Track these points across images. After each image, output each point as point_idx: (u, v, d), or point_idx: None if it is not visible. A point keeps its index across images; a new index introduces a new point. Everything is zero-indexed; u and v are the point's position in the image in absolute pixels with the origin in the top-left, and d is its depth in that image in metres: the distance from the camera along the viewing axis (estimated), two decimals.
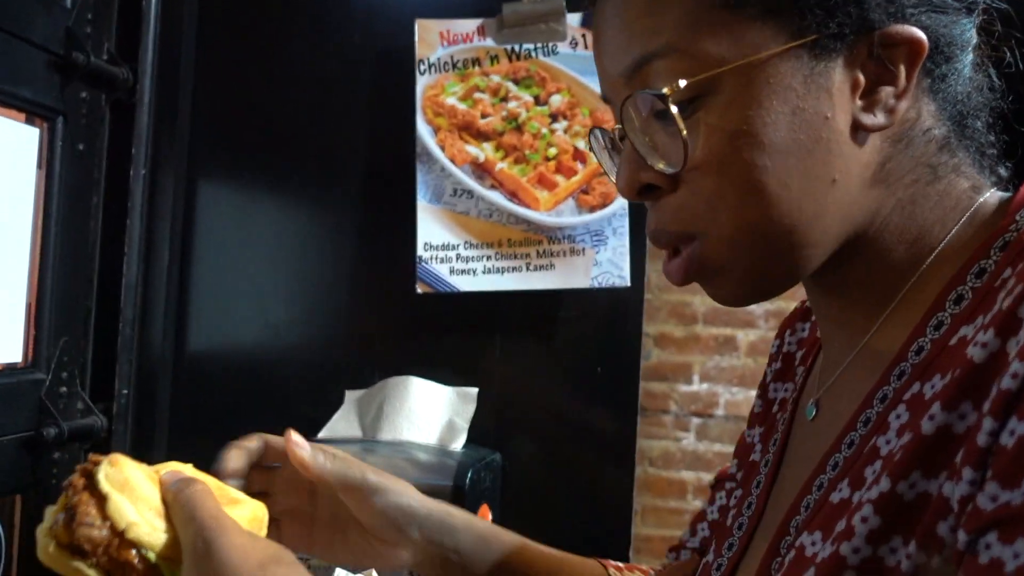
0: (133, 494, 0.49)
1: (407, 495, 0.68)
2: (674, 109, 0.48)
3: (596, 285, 1.28)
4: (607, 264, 1.28)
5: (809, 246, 0.49)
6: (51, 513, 0.49)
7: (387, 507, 0.66)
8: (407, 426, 1.23)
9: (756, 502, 0.62)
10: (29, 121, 1.21)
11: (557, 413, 1.33)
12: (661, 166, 0.50)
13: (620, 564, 0.79)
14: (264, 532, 0.56)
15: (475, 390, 1.31)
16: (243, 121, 1.43)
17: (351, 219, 1.40)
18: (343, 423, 1.29)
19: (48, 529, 0.48)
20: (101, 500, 0.47)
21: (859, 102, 0.48)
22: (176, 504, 0.50)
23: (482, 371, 1.33)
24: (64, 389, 1.23)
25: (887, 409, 0.48)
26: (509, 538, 0.72)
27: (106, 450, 1.28)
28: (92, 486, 0.48)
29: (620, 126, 0.53)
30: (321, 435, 1.28)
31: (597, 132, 0.59)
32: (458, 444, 1.24)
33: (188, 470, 0.56)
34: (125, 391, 1.32)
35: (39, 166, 1.22)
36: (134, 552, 0.47)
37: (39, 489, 1.19)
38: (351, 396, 1.33)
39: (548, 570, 0.74)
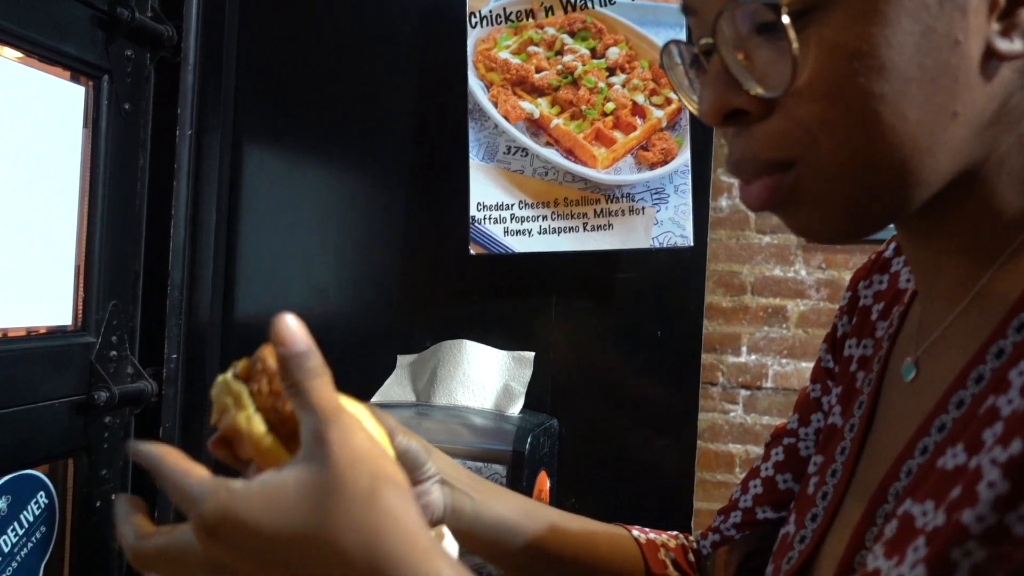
0: None
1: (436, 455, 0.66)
2: (786, 20, 0.43)
3: (657, 245, 1.22)
4: (668, 223, 1.22)
5: (917, 183, 0.45)
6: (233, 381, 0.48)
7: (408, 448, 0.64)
8: (462, 391, 1.20)
9: (842, 469, 0.57)
10: (74, 79, 1.18)
11: (615, 379, 1.28)
12: (759, 90, 0.45)
13: (644, 529, 0.76)
14: None
15: (531, 354, 1.27)
16: (289, 79, 1.39)
17: (401, 179, 1.35)
18: (396, 388, 1.25)
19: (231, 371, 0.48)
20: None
21: (995, 25, 0.43)
22: (293, 384, 0.44)
23: (537, 335, 1.29)
24: (114, 353, 1.21)
25: (1006, 365, 0.43)
26: (542, 513, 0.70)
27: (155, 414, 1.28)
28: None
29: (707, 41, 0.47)
30: (374, 400, 1.25)
31: (673, 48, 0.53)
32: (515, 409, 1.21)
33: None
34: (174, 355, 1.30)
35: (85, 125, 1.20)
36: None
37: (91, 453, 1.17)
38: (403, 360, 1.29)
39: (579, 545, 0.71)
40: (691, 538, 0.78)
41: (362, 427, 0.44)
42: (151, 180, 1.28)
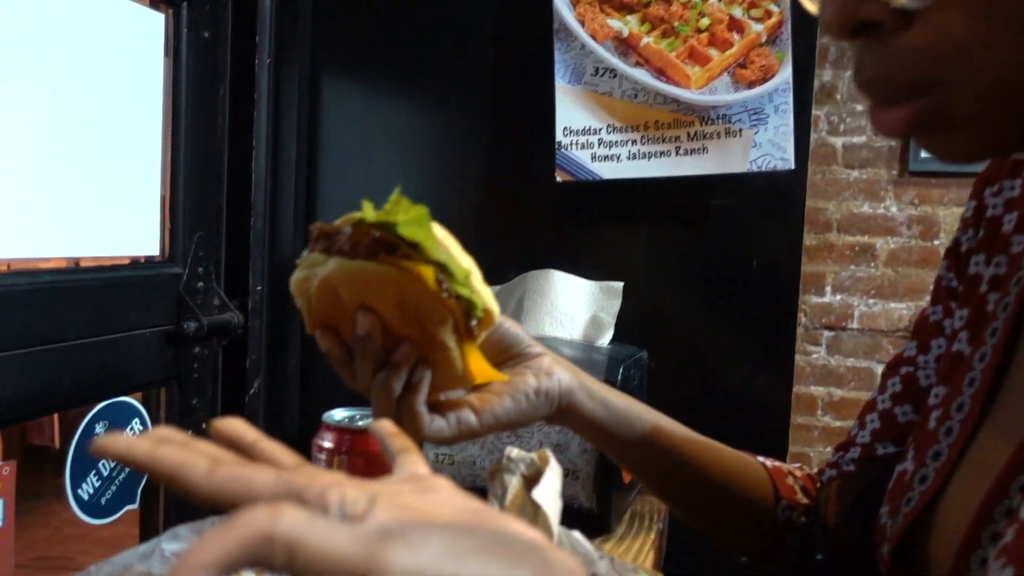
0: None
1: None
2: None
3: (754, 169, 1.16)
4: (767, 145, 1.15)
5: None
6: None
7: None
8: (549, 321, 1.17)
9: (970, 403, 0.52)
10: (154, 6, 1.16)
11: (706, 312, 1.23)
12: (902, 0, 0.39)
13: (774, 460, 0.73)
14: None
15: (620, 284, 1.22)
16: (366, 5, 1.35)
17: (483, 105, 1.31)
18: None
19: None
20: None
21: None
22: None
23: (626, 265, 1.24)
24: (200, 284, 1.21)
25: None
26: (667, 418, 0.69)
27: (242, 346, 1.28)
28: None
29: None
30: None
31: None
32: (604, 340, 1.17)
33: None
34: (259, 287, 1.30)
35: (166, 54, 1.18)
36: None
37: (181, 383, 1.18)
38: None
39: (706, 454, 0.68)
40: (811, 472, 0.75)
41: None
42: (231, 110, 1.27)
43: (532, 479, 0.62)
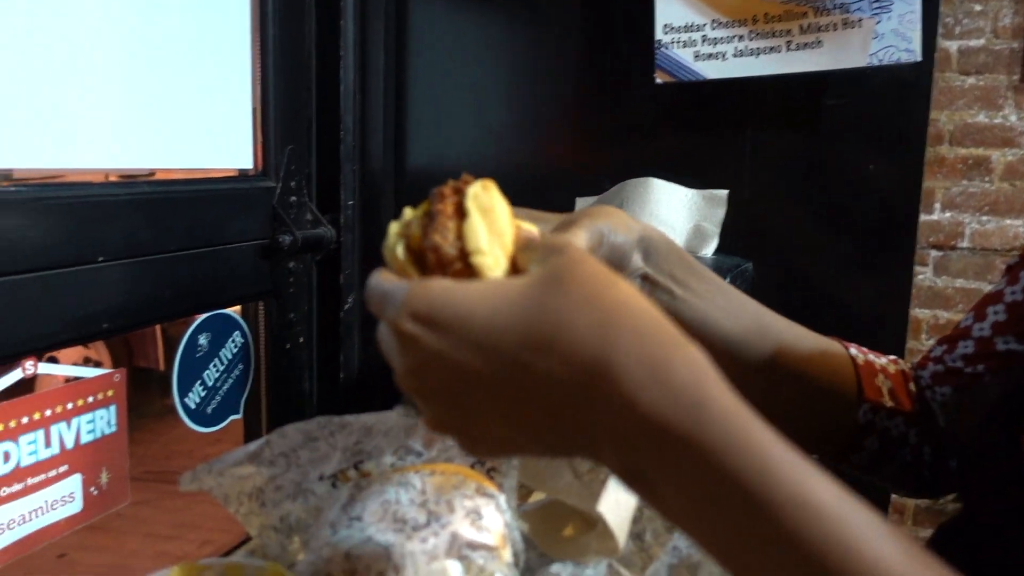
0: (493, 224, 0.44)
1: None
2: None
3: (875, 63, 1.06)
4: (891, 36, 1.05)
5: None
6: (409, 214, 0.47)
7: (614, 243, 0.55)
8: None
9: None
10: None
11: (817, 220, 1.16)
12: None
13: (864, 349, 0.67)
14: None
15: (724, 192, 1.16)
16: None
17: (576, 4, 1.24)
18: None
19: (403, 226, 0.46)
20: (461, 219, 0.44)
21: None
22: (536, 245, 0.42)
23: (731, 171, 1.18)
24: (293, 198, 1.20)
25: None
26: (772, 327, 0.62)
27: (335, 261, 1.28)
28: (459, 202, 0.45)
29: None
30: None
31: None
32: (708, 251, 1.12)
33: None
34: (351, 202, 1.29)
35: None
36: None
37: (278, 296, 1.19)
38: (583, 203, 1.22)
39: (794, 363, 0.62)
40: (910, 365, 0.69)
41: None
42: (318, 19, 1.24)
43: None
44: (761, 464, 0.33)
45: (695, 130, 1.20)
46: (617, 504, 0.57)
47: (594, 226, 0.54)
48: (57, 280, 0.85)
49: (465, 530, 0.57)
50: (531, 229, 0.47)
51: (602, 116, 1.26)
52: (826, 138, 1.14)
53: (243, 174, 1.15)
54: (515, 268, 0.44)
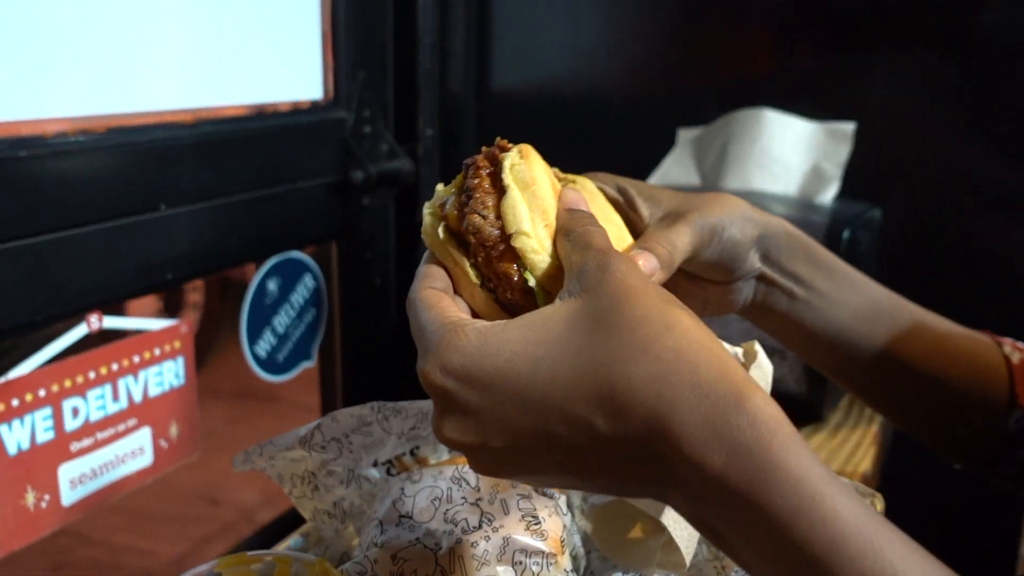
0: (534, 199, 0.43)
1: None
2: None
3: None
4: None
5: None
6: (441, 191, 0.46)
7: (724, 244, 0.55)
8: (759, 172, 1.06)
9: None
10: None
11: (962, 157, 1.07)
12: None
13: (1020, 345, 0.64)
14: None
15: (850, 126, 1.09)
16: None
17: None
18: (677, 168, 1.15)
19: (438, 207, 0.45)
20: (499, 193, 0.43)
21: None
22: (573, 230, 0.42)
23: (860, 100, 1.09)
24: (368, 129, 1.19)
25: None
26: (889, 315, 0.61)
27: (413, 196, 1.28)
28: (495, 174, 0.44)
29: None
30: (652, 181, 1.16)
31: None
32: (827, 196, 1.06)
33: (589, 188, 0.51)
34: (430, 131, 1.27)
35: None
36: (515, 267, 0.43)
37: (352, 236, 1.21)
38: (686, 136, 1.17)
39: (929, 355, 0.61)
40: None
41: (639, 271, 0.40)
42: None
43: None
44: (831, 536, 0.33)
45: (818, 50, 1.12)
46: None
47: (705, 223, 0.53)
48: (118, 232, 0.87)
49: (520, 534, 0.57)
50: (576, 194, 0.45)
51: (711, 33, 1.18)
52: (977, 59, 1.04)
53: (313, 105, 1.14)
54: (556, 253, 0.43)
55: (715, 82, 1.19)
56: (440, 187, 0.47)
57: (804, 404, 0.96)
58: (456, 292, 0.44)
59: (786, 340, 0.63)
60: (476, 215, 0.42)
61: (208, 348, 1.45)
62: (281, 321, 1.11)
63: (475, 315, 0.44)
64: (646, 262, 0.49)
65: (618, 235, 0.51)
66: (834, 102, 1.11)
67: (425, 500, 0.60)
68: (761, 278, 0.59)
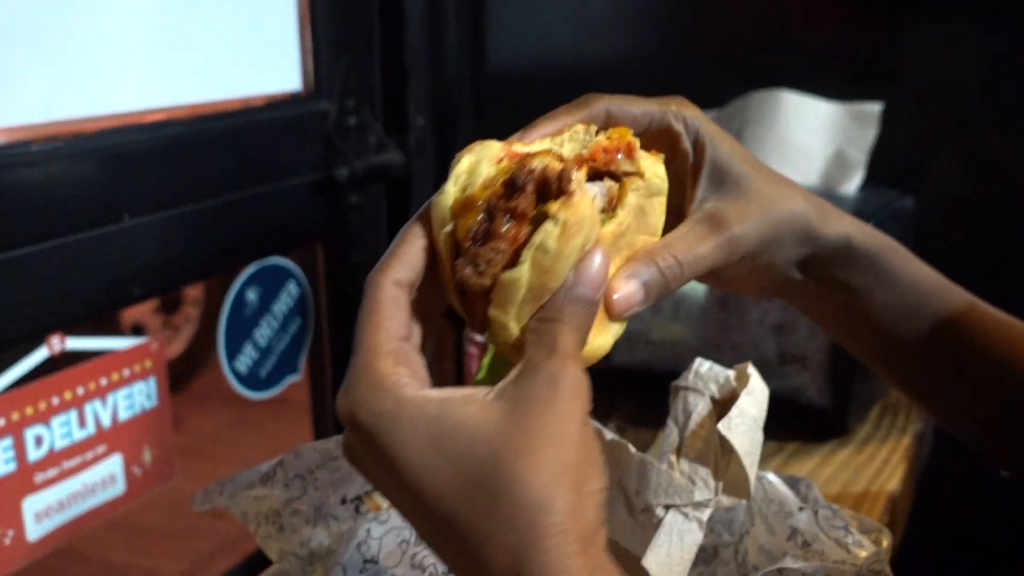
0: (542, 287, 0.42)
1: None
2: None
3: None
4: None
5: None
6: (482, 180, 0.43)
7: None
8: (777, 160, 1.05)
9: None
10: None
11: (1003, 140, 1.05)
12: None
13: None
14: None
15: (877, 107, 1.07)
16: None
17: None
18: None
19: (460, 197, 0.43)
20: (514, 255, 0.41)
21: None
22: (552, 321, 0.42)
23: (887, 76, 1.08)
24: (353, 120, 1.17)
25: None
26: (948, 293, 0.60)
27: (406, 191, 1.27)
28: (536, 218, 0.41)
29: None
30: None
31: None
32: (851, 185, 1.05)
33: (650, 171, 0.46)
34: (421, 120, 1.25)
35: None
36: (481, 313, 0.43)
37: (338, 238, 1.20)
38: None
39: (992, 337, 0.59)
40: None
41: (589, 403, 0.41)
42: None
43: (725, 403, 0.56)
44: None
45: (841, 22, 1.10)
46: (668, 559, 0.54)
47: (744, 244, 0.51)
48: (78, 246, 0.85)
49: None
50: (595, 271, 0.43)
51: (726, 5, 1.17)
52: (1019, 27, 1.02)
53: (291, 98, 1.12)
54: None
55: (730, 60, 1.17)
56: (485, 168, 0.43)
57: (828, 416, 0.94)
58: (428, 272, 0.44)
59: (821, 323, 0.62)
60: (470, 267, 0.41)
61: (210, 348, 1.45)
62: (263, 333, 1.10)
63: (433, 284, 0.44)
64: (627, 296, 0.47)
65: (647, 240, 0.49)
66: (859, 80, 1.10)
67: (392, 543, 0.60)
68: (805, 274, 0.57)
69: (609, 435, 0.58)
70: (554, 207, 0.41)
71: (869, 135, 1.07)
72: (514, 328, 0.42)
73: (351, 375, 0.41)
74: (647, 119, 0.51)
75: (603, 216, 0.44)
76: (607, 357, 0.47)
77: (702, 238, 0.50)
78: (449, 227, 0.42)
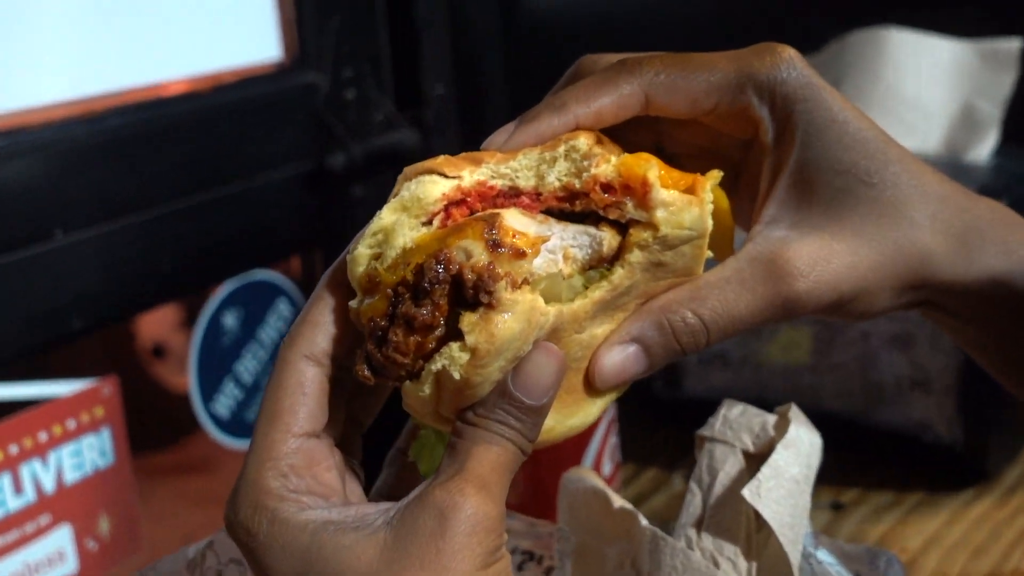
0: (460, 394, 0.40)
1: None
2: None
3: None
4: None
5: None
6: (374, 234, 0.42)
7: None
8: (885, 120, 0.94)
9: None
10: None
11: None
12: None
13: None
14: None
15: (1016, 44, 1.00)
16: None
17: None
18: None
19: (373, 265, 0.41)
20: (437, 344, 0.40)
21: None
22: (471, 427, 0.41)
23: None
24: (352, 94, 1.15)
25: None
26: None
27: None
28: (455, 301, 0.40)
29: None
30: None
31: None
32: (982, 149, 0.99)
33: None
34: (440, 88, 1.22)
35: None
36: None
37: (335, 240, 1.15)
38: None
39: None
40: None
41: (497, 538, 0.40)
42: None
43: (762, 458, 0.54)
44: None
45: None
46: None
47: (815, 300, 0.45)
48: None
49: None
50: (543, 375, 0.41)
51: None
52: None
53: (274, 70, 1.09)
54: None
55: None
56: (402, 235, 0.41)
57: (960, 456, 0.87)
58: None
59: (953, 337, 0.54)
60: (367, 367, 0.41)
61: None
62: (248, 367, 1.07)
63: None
64: (617, 369, 0.44)
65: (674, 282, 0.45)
66: (992, 10, 1.05)
67: None
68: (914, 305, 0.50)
69: (618, 502, 0.56)
70: (467, 320, 0.38)
71: (1006, 82, 1.03)
72: (429, 416, 0.42)
73: (239, 480, 0.41)
74: (714, 98, 0.45)
75: (584, 277, 0.42)
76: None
77: (748, 290, 0.44)
78: (355, 303, 0.41)
